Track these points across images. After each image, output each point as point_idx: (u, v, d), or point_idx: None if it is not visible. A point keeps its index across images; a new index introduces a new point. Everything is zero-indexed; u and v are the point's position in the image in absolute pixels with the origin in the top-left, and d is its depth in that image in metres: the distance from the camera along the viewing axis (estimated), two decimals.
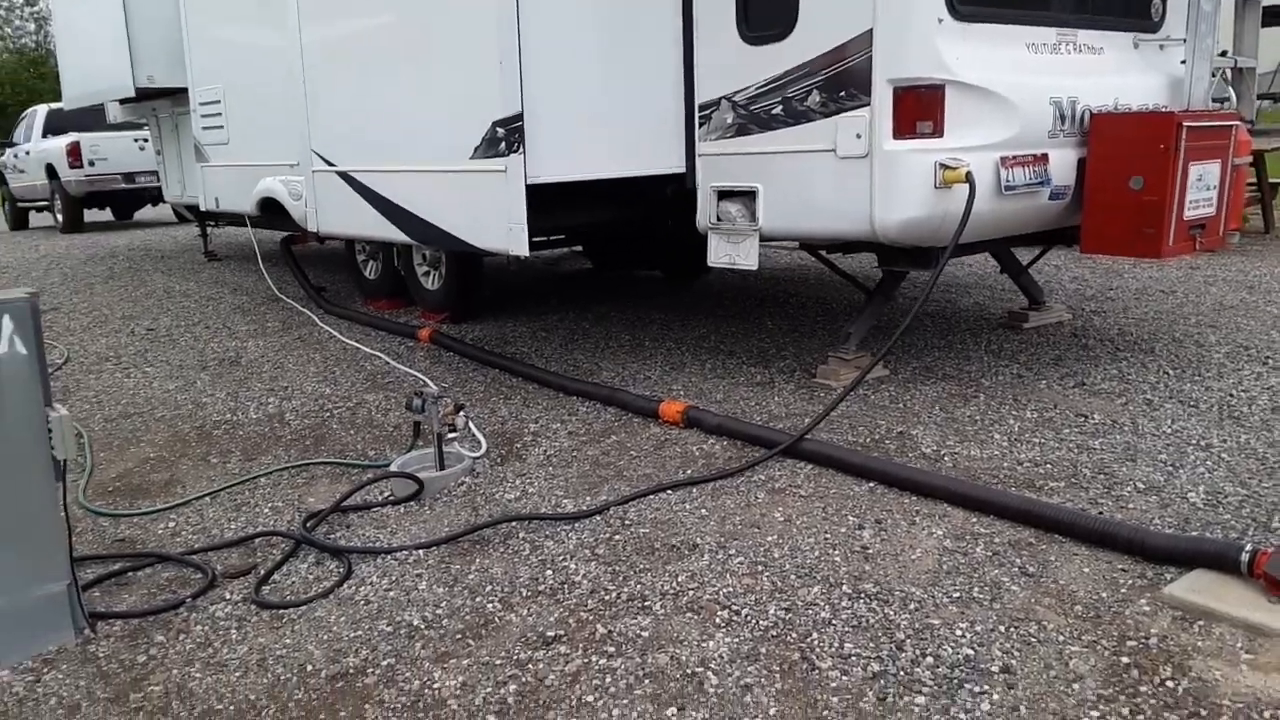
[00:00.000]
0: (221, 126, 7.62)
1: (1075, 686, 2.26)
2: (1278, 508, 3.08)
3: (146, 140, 12.27)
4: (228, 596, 2.99)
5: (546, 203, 4.66)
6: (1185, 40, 4.60)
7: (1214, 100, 4.66)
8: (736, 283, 7.62)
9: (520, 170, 4.42)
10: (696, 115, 4.78)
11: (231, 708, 2.42)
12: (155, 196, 13.15)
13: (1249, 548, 2.57)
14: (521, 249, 4.49)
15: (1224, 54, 4.95)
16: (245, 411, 4.84)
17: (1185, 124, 4.02)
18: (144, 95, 8.85)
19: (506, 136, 4.45)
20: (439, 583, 3.00)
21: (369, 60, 5.55)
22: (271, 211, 7.12)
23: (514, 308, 7.01)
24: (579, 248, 9.02)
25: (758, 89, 4.43)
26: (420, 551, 3.21)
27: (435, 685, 2.46)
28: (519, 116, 4.40)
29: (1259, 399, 4.10)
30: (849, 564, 2.91)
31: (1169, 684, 2.24)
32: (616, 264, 8.38)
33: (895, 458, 3.68)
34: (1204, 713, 2.13)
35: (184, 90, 8.08)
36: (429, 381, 5.01)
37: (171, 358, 6.03)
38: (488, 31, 4.48)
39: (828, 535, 3.10)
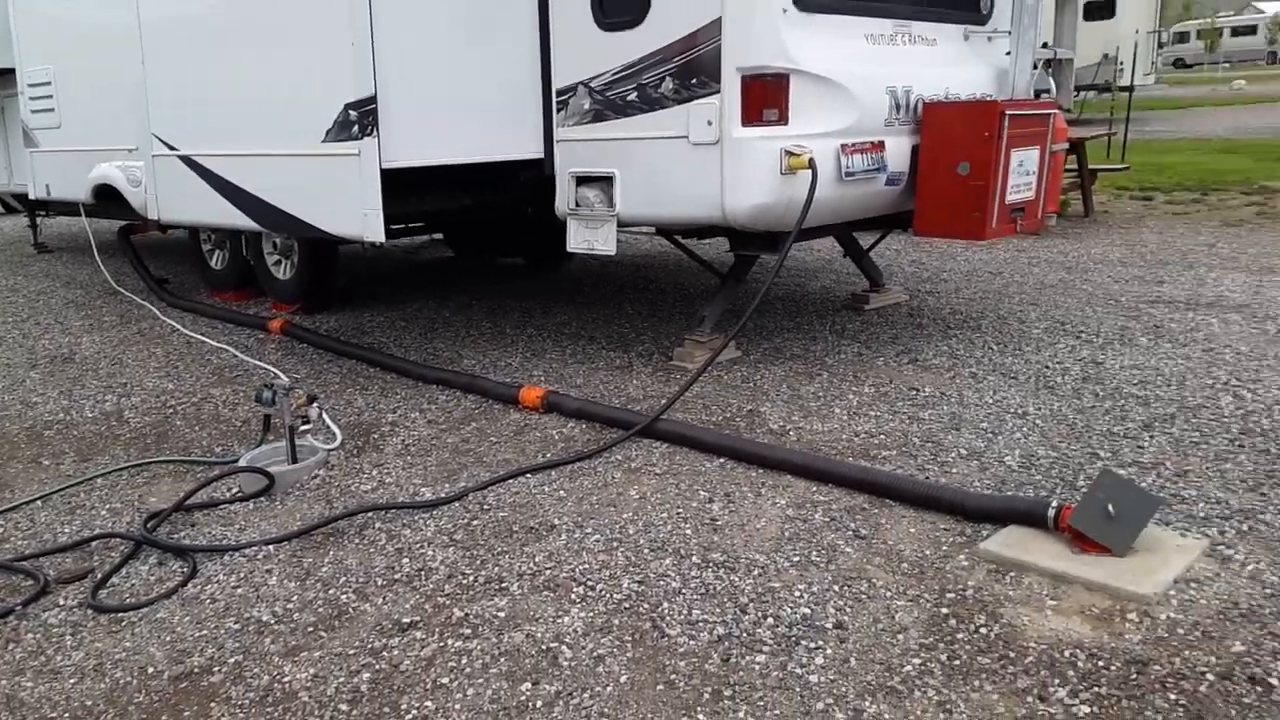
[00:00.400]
0: (52, 110, 7.14)
1: (900, 637, 2.43)
2: (1083, 468, 3.37)
3: None
4: (62, 603, 2.86)
5: (403, 188, 4.60)
6: (1010, 33, 4.92)
7: (1036, 91, 5.00)
8: (598, 269, 7.69)
9: (374, 154, 4.35)
10: (554, 101, 4.80)
11: (66, 715, 2.34)
12: None
13: (1054, 504, 2.81)
14: (377, 235, 4.42)
15: (1045, 46, 5.31)
16: (80, 410, 4.61)
17: (1007, 112, 4.30)
18: None
19: (360, 119, 4.37)
20: (290, 577, 2.95)
21: (214, 40, 5.32)
22: (108, 199, 6.73)
23: (371, 297, 6.87)
24: (439, 235, 8.92)
25: (613, 75, 4.49)
26: (271, 547, 3.15)
27: (285, 679, 2.44)
28: (372, 99, 4.33)
29: (1071, 370, 4.45)
30: (699, 536, 3.02)
31: (982, 630, 2.44)
32: (478, 251, 8.32)
33: (744, 434, 3.83)
34: (1012, 654, 2.34)
35: (10, 71, 7.55)
36: (280, 373, 4.88)
37: None
38: (339, 11, 4.38)
39: (680, 510, 3.21)
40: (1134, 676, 2.22)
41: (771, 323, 5.61)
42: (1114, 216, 9.12)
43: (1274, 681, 2.17)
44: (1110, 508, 2.68)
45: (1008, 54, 4.87)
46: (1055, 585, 2.61)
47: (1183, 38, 64.30)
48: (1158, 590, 2.51)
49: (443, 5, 4.62)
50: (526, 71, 4.82)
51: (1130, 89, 14.71)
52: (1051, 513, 2.79)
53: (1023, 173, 4.46)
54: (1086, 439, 3.61)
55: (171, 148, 5.71)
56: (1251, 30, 66.25)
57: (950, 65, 4.81)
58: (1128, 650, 2.32)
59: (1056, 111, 4.72)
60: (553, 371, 4.90)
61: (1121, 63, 16.49)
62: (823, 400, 4.20)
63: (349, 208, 4.47)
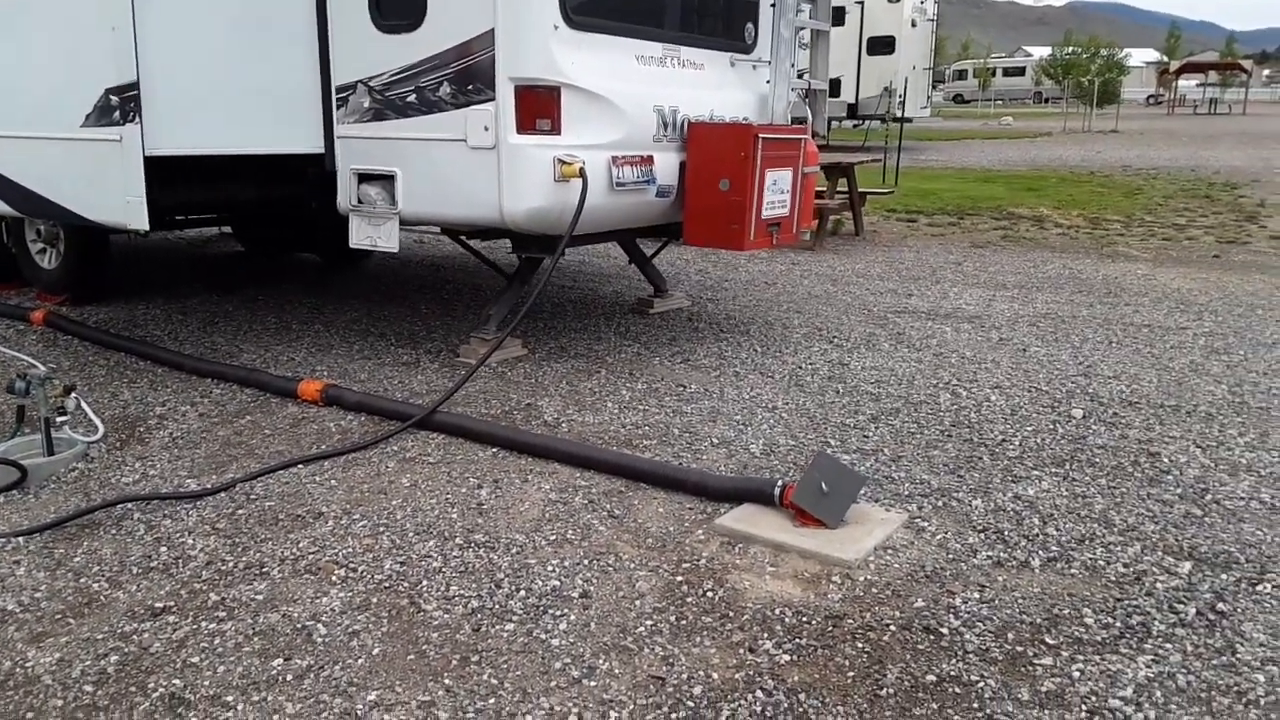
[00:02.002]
0: None
1: (638, 603, 2.69)
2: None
3: None
4: None
5: (178, 177, 4.50)
6: (770, 62, 5.36)
7: (795, 118, 5.48)
8: (396, 268, 7.69)
9: (137, 141, 4.25)
10: (334, 97, 4.83)
11: None
12: None
13: (780, 483, 3.16)
14: (141, 223, 4.31)
15: (801, 76, 5.81)
16: None
17: (760, 135, 4.71)
18: None
19: (121, 105, 4.25)
20: (40, 568, 2.89)
21: None
22: None
23: (151, 290, 6.60)
24: (228, 229, 8.63)
25: (391, 76, 4.58)
26: (20, 539, 3.06)
27: (28, 664, 2.41)
28: (134, 85, 4.23)
29: (820, 370, 4.92)
30: (464, 519, 3.18)
31: (709, 594, 2.73)
32: (269, 246, 8.12)
33: (520, 426, 4.02)
34: (731, 614, 2.63)
35: None
36: (36, 363, 4.65)
37: None
38: None
39: (449, 496, 3.36)
40: (830, 629, 2.56)
41: (560, 323, 5.83)
42: (881, 235, 9.96)
43: (944, 631, 2.56)
44: (824, 485, 3.05)
45: (768, 82, 5.31)
46: (776, 554, 2.95)
47: (962, 75, 70.25)
48: (859, 556, 2.89)
49: None
50: (304, 66, 4.82)
51: (902, 120, 16.08)
52: (777, 491, 3.13)
53: (777, 190, 4.88)
54: (822, 429, 4.03)
55: None
56: (1020, 71, 73.28)
57: (716, 89, 5.20)
58: (828, 607, 2.66)
59: (807, 137, 5.19)
60: (338, 367, 4.92)
61: (902, 95, 17.95)
62: (598, 395, 4.46)
63: (111, 195, 4.34)
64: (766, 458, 3.72)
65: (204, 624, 2.59)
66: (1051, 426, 4.11)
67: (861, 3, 20.58)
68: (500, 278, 5.53)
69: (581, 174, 4.32)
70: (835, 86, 20.89)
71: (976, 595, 2.71)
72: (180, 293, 6.55)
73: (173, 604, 2.68)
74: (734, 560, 2.92)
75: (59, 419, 3.65)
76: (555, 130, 4.28)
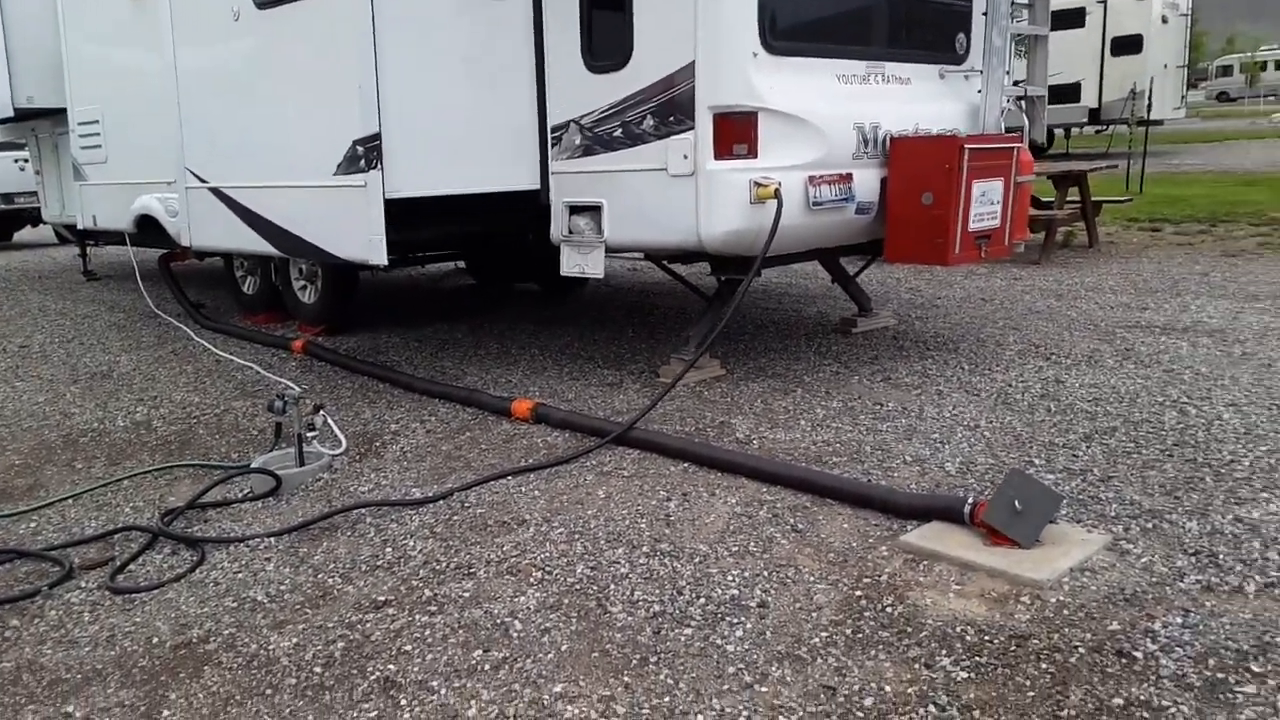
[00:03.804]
0: (100, 146, 7.72)
1: (814, 615, 2.70)
2: None
3: (26, 160, 12.09)
4: (84, 585, 3.21)
5: (414, 216, 5.00)
6: (982, 72, 5.21)
7: (1009, 127, 5.28)
8: (607, 295, 8.05)
9: (379, 185, 4.78)
10: (549, 136, 5.19)
11: (78, 676, 2.67)
12: (35, 217, 12.92)
13: (970, 500, 3.07)
14: (380, 259, 4.82)
15: (1017, 84, 5.59)
16: (113, 420, 5.02)
17: (966, 146, 4.59)
18: (23, 116, 8.85)
19: (366, 154, 4.79)
20: (286, 564, 3.29)
21: (239, 82, 5.82)
22: (149, 229, 7.26)
23: (392, 321, 7.28)
24: (462, 263, 9.35)
25: (601, 113, 4.87)
26: (272, 539, 3.48)
27: (270, 647, 2.76)
28: (377, 136, 4.76)
29: (1033, 388, 4.69)
30: (652, 529, 3.32)
31: (888, 610, 2.70)
32: (496, 278, 8.72)
33: (712, 442, 4.12)
34: (910, 629, 2.60)
35: (63, 110, 8.14)
36: (292, 385, 5.26)
37: (43, 372, 6.12)
38: (348, 56, 4.83)
39: (639, 507, 3.52)
40: (1013, 649, 2.47)
41: (760, 344, 5.90)
42: (1119, 247, 9.29)
43: (1138, 655, 2.40)
44: (1017, 504, 2.93)
45: (979, 92, 5.16)
46: (962, 572, 2.87)
47: (1226, 71, 63.77)
48: (1052, 577, 2.76)
49: (445, 50, 5.04)
50: (524, 109, 5.23)
51: (1147, 122, 14.87)
52: (967, 508, 3.05)
53: (986, 202, 4.73)
54: (1027, 448, 3.85)
55: (202, 180, 6.21)
56: None
57: (923, 102, 5.11)
58: (1013, 627, 2.57)
59: (1021, 146, 4.99)
60: (549, 387, 5.23)
61: (1150, 97, 16.63)
62: (791, 413, 4.48)
63: (356, 234, 4.90)
64: (962, 476, 3.61)
65: (418, 617, 2.86)
66: None
67: (1105, 2, 19.31)
68: (702, 300, 5.67)
69: (776, 195, 4.40)
70: (1076, 91, 19.69)
71: (1179, 620, 2.52)
72: (417, 322, 7.18)
73: (393, 598, 2.98)
74: (917, 577, 2.87)
75: (309, 434, 4.14)
76: (752, 154, 4.40)
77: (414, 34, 4.92)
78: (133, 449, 4.58)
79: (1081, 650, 2.44)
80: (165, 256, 8.26)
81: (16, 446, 4.68)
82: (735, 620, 2.70)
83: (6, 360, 6.54)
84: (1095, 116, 20.04)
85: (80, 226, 8.47)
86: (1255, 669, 2.30)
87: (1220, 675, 2.29)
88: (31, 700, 2.55)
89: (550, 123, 5.21)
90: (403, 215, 4.97)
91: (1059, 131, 21.49)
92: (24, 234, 15.47)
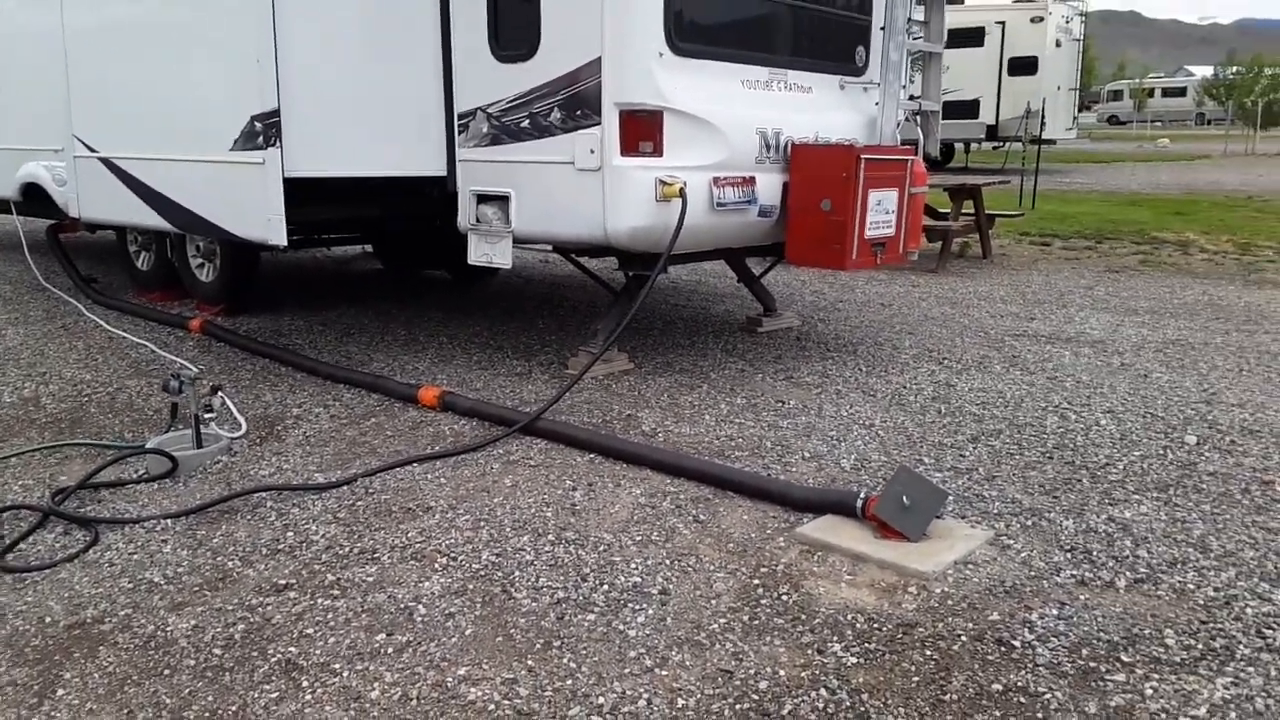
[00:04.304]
0: None
1: (713, 602, 2.80)
2: None
3: None
4: None
5: (313, 197, 4.91)
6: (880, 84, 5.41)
7: (904, 139, 5.50)
8: (518, 285, 8.04)
9: (278, 163, 4.69)
10: (456, 123, 5.17)
11: None
12: None
13: (862, 494, 3.22)
14: (280, 239, 4.74)
15: (913, 99, 5.82)
16: None
17: (863, 156, 4.77)
18: None
19: (264, 130, 4.69)
20: (184, 547, 3.23)
21: (132, 48, 5.62)
22: (36, 198, 6.93)
23: (296, 304, 7.13)
24: (369, 247, 9.21)
25: (508, 103, 4.88)
26: (168, 521, 3.41)
27: (168, 629, 2.72)
28: (276, 112, 4.66)
29: (925, 390, 4.91)
30: (558, 518, 3.37)
31: (784, 598, 2.82)
32: (405, 263, 8.62)
33: (618, 434, 4.19)
34: (804, 617, 2.72)
35: None
36: (189, 365, 5.13)
37: None
38: (246, 28, 4.72)
39: (545, 496, 3.56)
40: (900, 636, 2.61)
41: (669, 340, 6.01)
42: (1010, 259, 9.73)
43: (1016, 644, 2.57)
44: (905, 499, 3.09)
45: (877, 104, 5.36)
46: (854, 563, 3.01)
47: (1117, 96, 67.13)
48: (937, 569, 2.92)
49: (347, 28, 4.97)
50: (429, 94, 5.17)
51: (1040, 141, 15.57)
52: (859, 503, 3.19)
53: (881, 211, 4.92)
54: (918, 447, 4.05)
55: (92, 149, 5.98)
56: (1181, 92, 69.36)
57: (823, 111, 5.28)
58: (900, 616, 2.71)
59: (914, 158, 5.20)
60: (456, 375, 5.23)
61: (1043, 117, 17.39)
62: (696, 408, 4.59)
63: (255, 213, 4.79)
64: (857, 473, 3.77)
65: (320, 600, 2.85)
66: (1161, 452, 3.99)
67: (1003, 23, 20.10)
68: (610, 295, 5.74)
69: (681, 194, 4.49)
70: (974, 108, 20.44)
71: (1054, 611, 2.71)
72: (322, 306, 7.05)
73: (294, 582, 2.96)
74: (811, 567, 3.00)
75: (206, 415, 4.05)
76: (657, 152, 4.47)
77: (317, 9, 4.83)
78: (20, 426, 4.40)
79: (964, 638, 2.59)
80: (54, 227, 7.88)
81: None
82: (637, 606, 2.78)
83: None
84: (993, 133, 20.86)
85: None
86: (1125, 659, 2.49)
87: (1092, 664, 2.47)
88: None
89: (457, 109, 5.18)
90: (303, 195, 4.88)
91: (959, 146, 22.30)
92: None
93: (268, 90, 4.65)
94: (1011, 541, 3.15)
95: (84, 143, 6.03)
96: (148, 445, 4.00)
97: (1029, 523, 3.30)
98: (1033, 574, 2.95)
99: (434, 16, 5.13)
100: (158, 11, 5.38)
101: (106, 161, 5.87)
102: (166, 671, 2.50)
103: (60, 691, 2.42)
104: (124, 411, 4.61)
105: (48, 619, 2.77)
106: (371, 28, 5.02)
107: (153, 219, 5.62)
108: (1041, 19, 19.66)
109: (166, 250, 6.94)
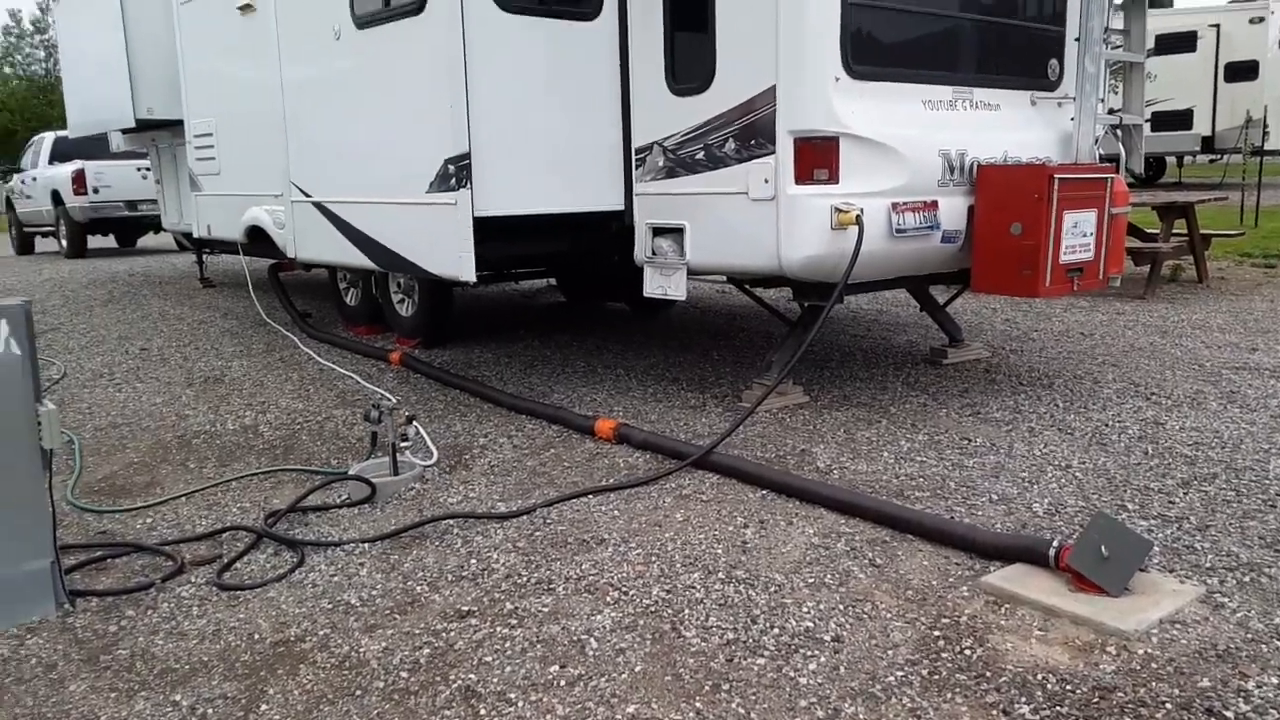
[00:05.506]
0: (214, 158, 8.14)
1: (890, 652, 2.70)
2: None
3: (148, 169, 12.77)
4: (193, 580, 3.41)
5: (501, 234, 5.15)
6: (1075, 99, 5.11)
7: (1104, 156, 5.16)
8: (695, 316, 8.10)
9: (468, 204, 4.96)
10: (633, 158, 5.30)
11: (186, 667, 2.84)
12: (156, 224, 13.64)
13: (1056, 543, 3.02)
14: (469, 275, 4.99)
15: (1112, 112, 5.46)
16: (224, 423, 5.30)
17: (1056, 176, 4.51)
18: (144, 126, 9.36)
19: (456, 173, 4.97)
20: (378, 570, 3.43)
21: (339, 100, 6.12)
22: (259, 239, 7.62)
23: (485, 336, 7.47)
24: (553, 281, 9.54)
25: (683, 136, 4.95)
26: (366, 545, 3.64)
27: (361, 649, 2.89)
28: (467, 155, 4.94)
29: (1130, 429, 4.56)
30: (728, 555, 3.35)
31: (966, 652, 2.68)
32: (586, 296, 8.87)
33: (792, 470, 4.13)
34: (989, 674, 2.57)
35: (181, 122, 8.60)
36: (388, 395, 5.46)
37: (161, 375, 6.48)
38: (440, 78, 5.03)
39: (716, 532, 3.55)
40: (1096, 700, 2.43)
41: (847, 372, 5.87)
42: (1229, 283, 8.93)
43: (1229, 714, 2.34)
44: (1104, 548, 2.87)
45: (1072, 119, 5.06)
46: (1045, 618, 2.82)
47: None
48: (1139, 627, 2.69)
49: (533, 73, 5.20)
50: (609, 131, 5.35)
51: (1262, 152, 14.22)
52: (1052, 551, 2.99)
53: (1078, 234, 4.63)
54: (1120, 492, 3.76)
55: (306, 194, 6.52)
56: None
57: (1012, 129, 5.03)
58: (1098, 678, 2.52)
59: (1114, 176, 4.86)
60: (632, 407, 5.31)
61: (1267, 125, 15.93)
62: (874, 445, 4.46)
63: (447, 250, 5.09)
64: (1050, 518, 3.55)
65: (499, 629, 2.95)
66: None
67: (1217, 25, 18.59)
68: (786, 325, 5.68)
69: (858, 221, 4.39)
70: (1187, 118, 18.97)
71: (1275, 680, 2.44)
72: (508, 338, 7.36)
73: (476, 609, 3.08)
74: (998, 620, 2.84)
75: (402, 444, 4.30)
76: (833, 179, 4.41)
77: (504, 56, 5.09)
78: (241, 452, 4.82)
79: (1169, 706, 2.38)
80: (274, 266, 8.64)
81: (136, 445, 4.98)
82: (809, 653, 2.72)
83: (129, 362, 6.94)
84: (1208, 145, 19.27)
85: (196, 235, 8.92)
86: None
87: None
88: (144, 687, 2.73)
89: (634, 144, 5.31)
90: (492, 233, 5.13)
91: (1170, 160, 20.72)
92: (146, 240, 16.37)
93: (459, 134, 4.94)
94: (1226, 600, 2.87)
95: (299, 188, 6.61)
96: (350, 472, 4.29)
97: (1246, 579, 2.99)
98: (1250, 637, 2.67)
99: (613, 56, 5.30)
100: (362, 64, 5.84)
101: (319, 205, 6.40)
102: (359, 692, 2.66)
103: (264, 707, 2.61)
104: (330, 439, 4.96)
105: (256, 636, 3.00)
106: (555, 71, 5.24)
107: (358, 258, 6.07)
108: (1262, 19, 18.02)
109: (372, 287, 7.46)
